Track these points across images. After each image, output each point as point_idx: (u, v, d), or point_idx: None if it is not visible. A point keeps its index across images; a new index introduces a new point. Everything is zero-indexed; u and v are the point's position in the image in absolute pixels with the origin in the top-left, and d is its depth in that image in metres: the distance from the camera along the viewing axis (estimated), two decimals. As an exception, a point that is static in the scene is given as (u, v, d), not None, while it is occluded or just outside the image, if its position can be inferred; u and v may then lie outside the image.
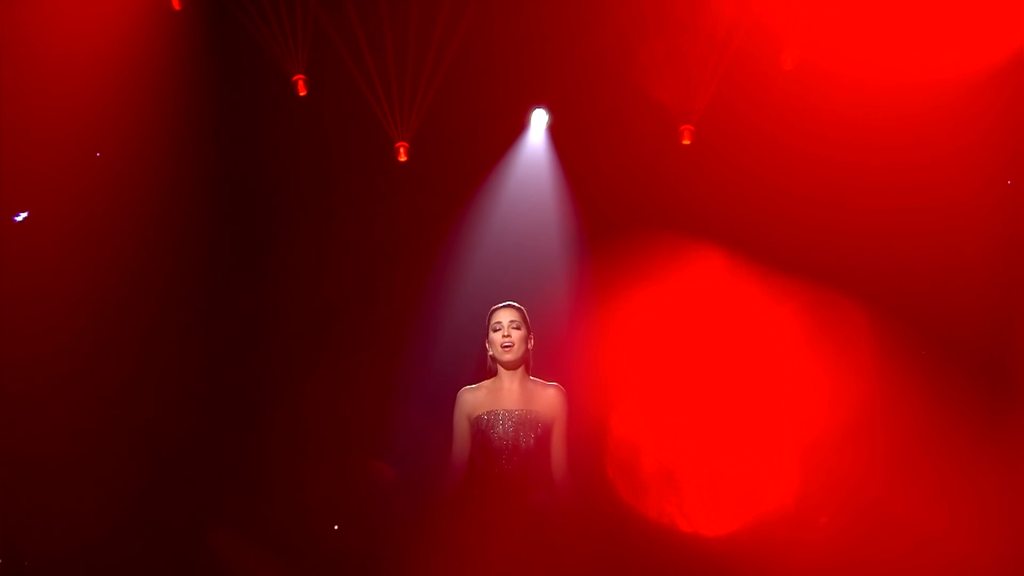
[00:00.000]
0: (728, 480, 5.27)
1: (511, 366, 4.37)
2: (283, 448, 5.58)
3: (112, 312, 5.43)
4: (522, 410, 4.33)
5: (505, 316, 4.41)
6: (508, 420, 4.29)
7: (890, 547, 5.03)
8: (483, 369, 4.49)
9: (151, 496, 5.27)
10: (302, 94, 5.88)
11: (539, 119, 6.19)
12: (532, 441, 4.29)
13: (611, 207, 6.01)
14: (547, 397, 4.37)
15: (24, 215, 5.20)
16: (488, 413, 4.33)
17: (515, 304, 4.47)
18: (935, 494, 5.14)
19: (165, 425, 5.47)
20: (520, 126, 6.19)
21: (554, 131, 6.17)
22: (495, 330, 4.39)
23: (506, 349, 4.32)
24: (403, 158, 6.04)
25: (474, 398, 4.37)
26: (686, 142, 5.97)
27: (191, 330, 5.74)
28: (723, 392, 5.49)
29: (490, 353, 4.42)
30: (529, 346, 4.43)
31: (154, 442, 5.40)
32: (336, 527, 5.46)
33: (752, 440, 5.35)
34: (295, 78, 5.84)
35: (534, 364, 4.45)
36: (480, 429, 4.32)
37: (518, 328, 4.38)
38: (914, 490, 5.17)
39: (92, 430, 5.22)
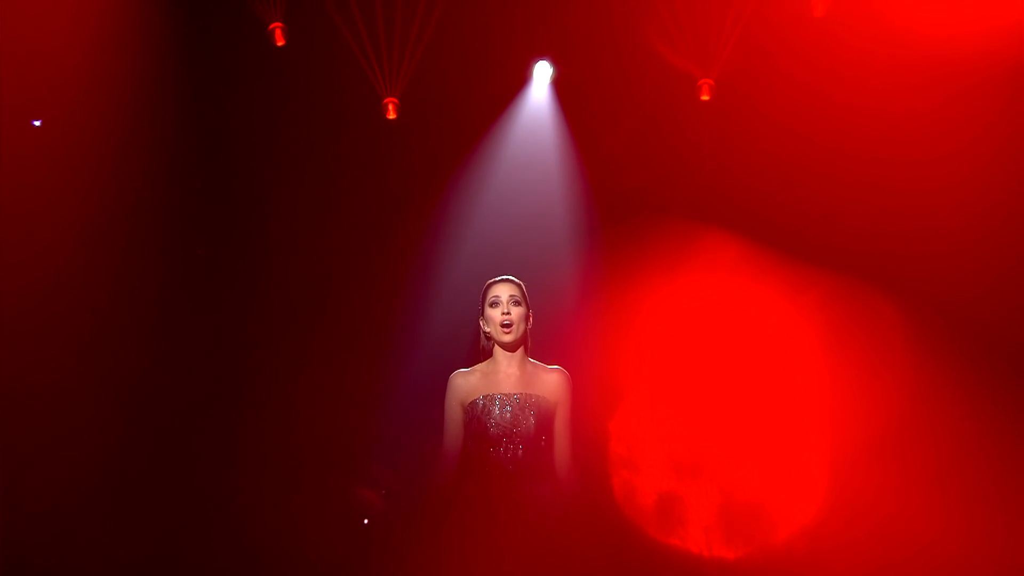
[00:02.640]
0: (745, 496, 5.30)
1: (510, 347, 4.24)
2: (262, 444, 5.58)
3: (72, 293, 5.38)
4: (521, 394, 4.20)
5: (504, 290, 4.27)
6: (505, 405, 4.19)
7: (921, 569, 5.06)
8: (477, 352, 4.39)
9: (119, 504, 5.27)
10: (279, 44, 5.84)
11: (542, 72, 6.14)
12: (532, 429, 4.17)
13: (622, 169, 5.99)
14: (550, 381, 4.26)
15: (39, 122, 5.19)
16: (483, 398, 4.21)
17: (514, 278, 4.33)
18: (972, 517, 5.13)
19: (132, 423, 5.47)
20: (521, 81, 6.15)
21: (558, 86, 6.13)
22: (492, 306, 4.26)
23: (505, 329, 4.20)
24: (391, 116, 5.97)
25: (467, 382, 4.25)
26: (705, 97, 5.87)
27: (159, 307, 5.70)
28: (741, 394, 5.47)
29: (486, 331, 4.29)
30: (529, 325, 4.30)
31: (122, 445, 5.39)
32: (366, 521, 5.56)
33: (772, 449, 5.35)
34: (271, 27, 5.81)
35: (532, 346, 4.33)
36: (474, 416, 4.20)
37: (518, 304, 4.25)
38: (950, 512, 5.15)
39: (50, 433, 5.22)
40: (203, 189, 5.89)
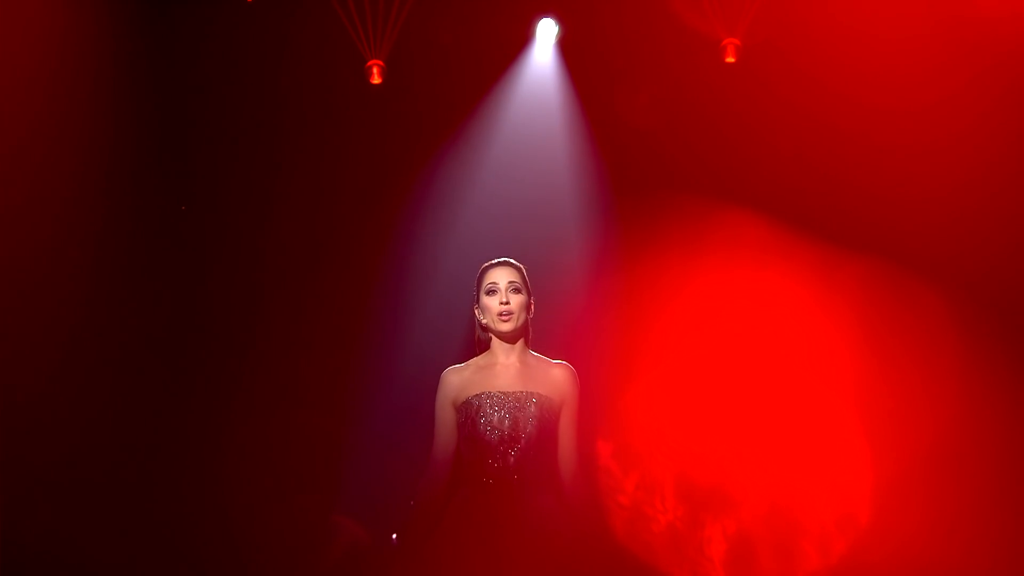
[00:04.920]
0: (773, 525, 5.33)
1: (509, 338, 4.12)
2: (215, 462, 5.56)
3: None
4: (522, 391, 4.08)
5: (502, 275, 4.15)
6: (504, 404, 4.07)
7: None
8: (471, 346, 4.28)
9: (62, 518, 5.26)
10: (249, 1, 5.80)
11: (546, 31, 6.03)
12: (534, 430, 4.05)
13: (635, 141, 5.88)
14: (554, 376, 4.13)
15: None
16: (479, 396, 4.09)
17: (513, 261, 4.20)
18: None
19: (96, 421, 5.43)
20: (522, 40, 6.04)
21: (564, 46, 6.01)
22: (489, 293, 4.14)
23: (504, 318, 4.09)
24: (376, 80, 5.86)
25: (460, 378, 4.14)
26: (730, 60, 5.74)
27: (125, 295, 5.67)
28: (767, 401, 5.47)
29: (482, 321, 4.16)
30: (530, 314, 4.18)
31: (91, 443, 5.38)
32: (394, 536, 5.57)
33: (804, 468, 5.36)
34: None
35: (534, 337, 4.23)
36: (469, 416, 4.08)
37: (518, 291, 4.13)
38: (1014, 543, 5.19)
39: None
40: (170, 165, 5.89)
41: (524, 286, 4.15)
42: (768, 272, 5.58)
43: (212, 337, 5.83)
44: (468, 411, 4.07)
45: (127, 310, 5.64)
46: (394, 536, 5.42)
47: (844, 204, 5.68)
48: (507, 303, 4.09)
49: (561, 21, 5.99)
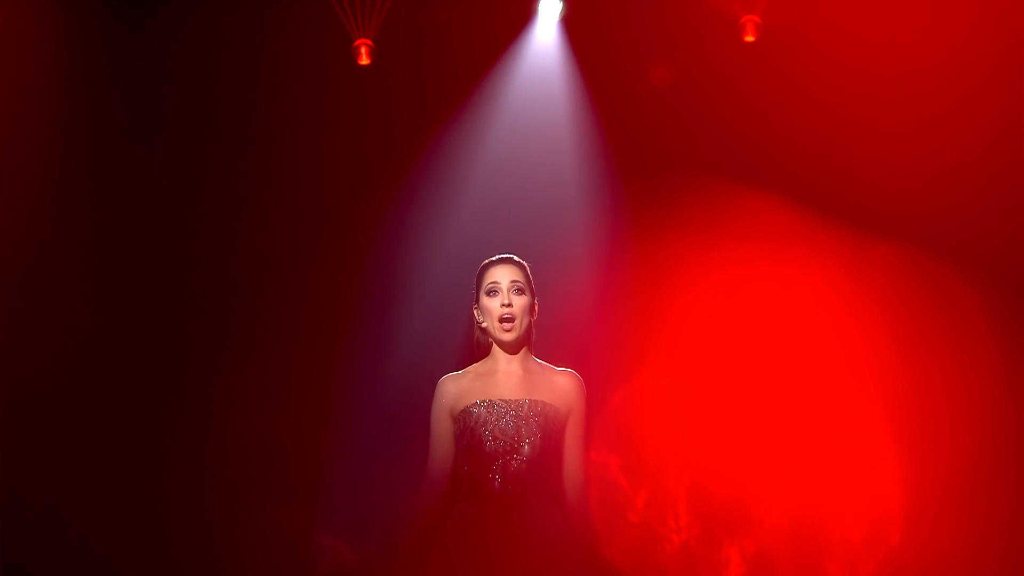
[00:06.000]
0: (795, 536, 5.28)
1: (511, 347, 4.09)
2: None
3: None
4: (525, 400, 4.03)
5: (504, 274, 4.09)
6: (505, 414, 4.02)
7: None
8: (470, 351, 4.22)
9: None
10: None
11: (549, 8, 5.87)
12: (538, 442, 4.00)
13: (646, 125, 5.77)
14: (559, 384, 4.08)
15: None
16: (479, 405, 4.03)
17: (516, 259, 4.14)
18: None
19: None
20: (524, 17, 5.89)
21: (569, 24, 5.87)
22: (490, 294, 4.08)
23: (506, 327, 4.06)
24: (364, 61, 5.74)
25: (459, 387, 4.09)
26: (749, 38, 5.63)
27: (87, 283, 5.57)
28: (792, 407, 5.37)
29: (482, 323, 4.10)
30: (533, 316, 4.13)
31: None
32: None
33: (829, 480, 5.28)
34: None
35: (537, 341, 4.18)
36: (468, 427, 4.01)
37: (521, 292, 4.07)
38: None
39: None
40: (145, 157, 5.79)
41: (528, 286, 4.10)
42: (792, 264, 5.49)
43: (187, 337, 5.71)
44: (467, 421, 4.01)
45: (95, 312, 5.59)
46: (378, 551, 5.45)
47: (875, 189, 5.60)
48: (509, 305, 4.03)
49: (566, -4, 5.89)
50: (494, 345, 4.09)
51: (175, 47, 5.81)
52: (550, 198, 5.81)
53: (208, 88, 5.89)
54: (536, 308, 4.14)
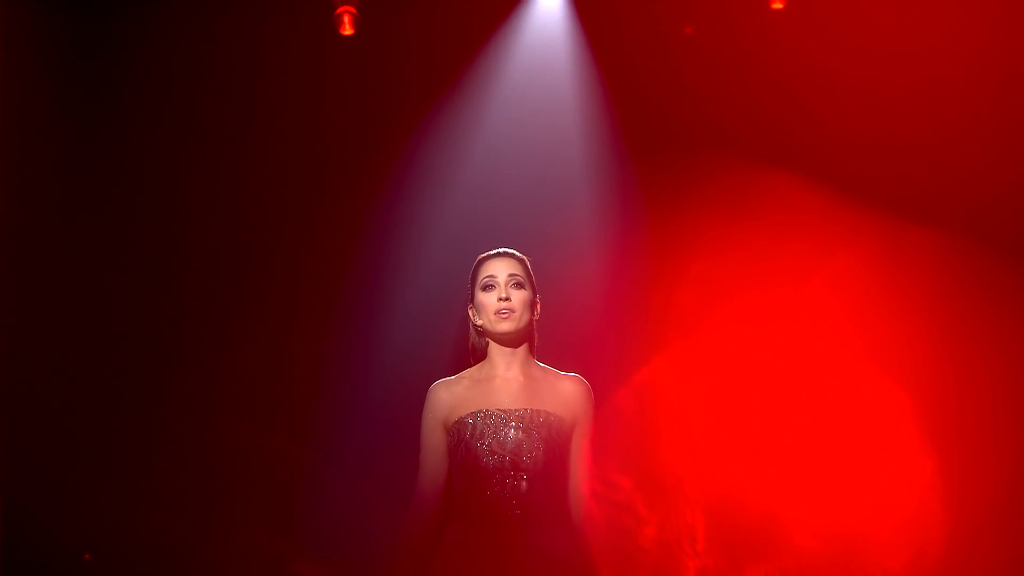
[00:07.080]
0: (825, 563, 5.07)
1: (510, 342, 3.95)
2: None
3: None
4: (527, 410, 3.91)
5: (501, 268, 3.98)
6: (505, 424, 3.92)
7: None
8: (464, 354, 4.11)
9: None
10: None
11: None
12: (540, 456, 3.89)
13: (661, 100, 5.56)
14: (564, 391, 3.97)
15: None
16: (474, 415, 3.92)
17: (515, 252, 4.04)
18: None
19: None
20: None
21: None
22: (486, 289, 3.97)
23: (503, 317, 3.92)
24: (348, 31, 5.53)
25: (453, 395, 3.98)
26: (777, 6, 5.42)
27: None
28: (821, 417, 5.17)
29: (477, 323, 3.99)
30: (535, 315, 4.01)
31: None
32: None
33: (867, 497, 5.09)
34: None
35: (539, 343, 4.07)
36: (462, 439, 3.91)
37: (520, 287, 3.96)
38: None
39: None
40: (116, 140, 5.58)
41: (528, 281, 3.98)
42: (823, 253, 5.27)
43: (156, 340, 5.47)
44: (462, 433, 3.89)
45: (58, 316, 5.45)
46: None
47: (917, 176, 5.36)
48: (507, 299, 3.91)
49: (572, -42, 5.69)
50: (491, 348, 3.94)
51: (142, 25, 5.57)
52: (555, 182, 5.61)
53: (180, 62, 5.64)
54: (538, 306, 4.02)
